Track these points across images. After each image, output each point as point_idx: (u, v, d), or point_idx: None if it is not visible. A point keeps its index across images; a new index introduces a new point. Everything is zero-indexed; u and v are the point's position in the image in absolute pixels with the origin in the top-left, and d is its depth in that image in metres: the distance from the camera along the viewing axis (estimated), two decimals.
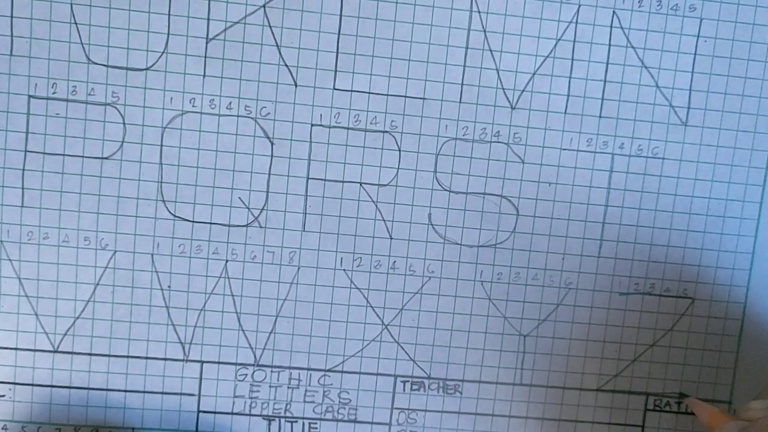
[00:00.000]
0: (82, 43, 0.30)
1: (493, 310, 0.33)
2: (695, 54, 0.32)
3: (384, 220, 0.32)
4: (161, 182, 0.31)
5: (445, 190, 0.32)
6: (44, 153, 0.31)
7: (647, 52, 0.32)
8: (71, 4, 0.30)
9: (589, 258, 0.33)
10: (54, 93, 0.30)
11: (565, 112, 0.32)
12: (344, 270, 0.32)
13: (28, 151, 0.31)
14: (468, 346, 0.33)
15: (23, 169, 0.31)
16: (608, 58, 0.32)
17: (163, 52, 0.30)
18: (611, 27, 0.32)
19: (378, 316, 0.33)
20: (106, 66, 0.30)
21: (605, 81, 0.32)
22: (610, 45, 0.32)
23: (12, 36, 0.30)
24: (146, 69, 0.31)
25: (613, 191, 0.33)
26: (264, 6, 0.30)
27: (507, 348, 0.33)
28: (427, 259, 0.33)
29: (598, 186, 0.32)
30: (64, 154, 0.31)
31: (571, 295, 0.33)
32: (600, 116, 0.32)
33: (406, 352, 0.33)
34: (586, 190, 0.33)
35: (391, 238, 0.32)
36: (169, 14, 0.30)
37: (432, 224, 0.32)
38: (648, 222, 0.33)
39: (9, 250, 0.31)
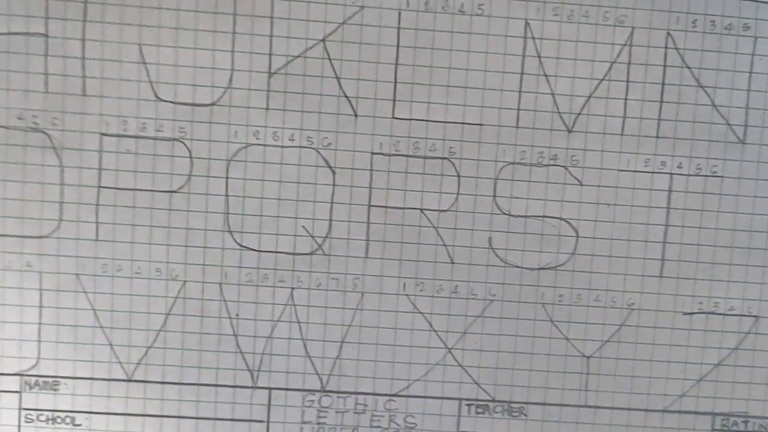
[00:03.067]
0: (150, 82, 0.31)
1: (556, 332, 0.33)
2: (750, 72, 0.32)
3: (445, 245, 0.33)
4: (228, 213, 0.32)
5: (505, 213, 0.32)
6: (116, 188, 0.32)
7: (702, 71, 0.32)
8: (140, 45, 0.31)
9: (651, 278, 0.33)
10: (125, 130, 0.31)
11: (622, 134, 0.32)
12: (407, 295, 0.33)
13: (101, 187, 0.32)
14: (531, 368, 0.33)
15: (97, 204, 0.32)
16: (663, 78, 0.32)
17: (227, 88, 0.31)
18: (666, 48, 0.32)
19: (441, 339, 0.33)
20: (173, 102, 0.31)
21: (661, 102, 0.32)
22: (665, 66, 0.32)
23: (84, 77, 0.31)
24: (211, 104, 0.32)
25: (672, 210, 0.33)
26: (323, 40, 0.31)
27: (571, 369, 0.33)
28: (489, 282, 0.33)
29: (658, 206, 0.33)
30: (135, 189, 0.32)
31: (634, 316, 0.33)
32: (657, 137, 0.32)
33: (470, 375, 0.33)
34: (646, 211, 0.33)
35: (453, 263, 0.33)
36: (232, 51, 0.31)
37: (492, 248, 0.33)
38: (709, 241, 0.33)
39: (84, 283, 0.32)
